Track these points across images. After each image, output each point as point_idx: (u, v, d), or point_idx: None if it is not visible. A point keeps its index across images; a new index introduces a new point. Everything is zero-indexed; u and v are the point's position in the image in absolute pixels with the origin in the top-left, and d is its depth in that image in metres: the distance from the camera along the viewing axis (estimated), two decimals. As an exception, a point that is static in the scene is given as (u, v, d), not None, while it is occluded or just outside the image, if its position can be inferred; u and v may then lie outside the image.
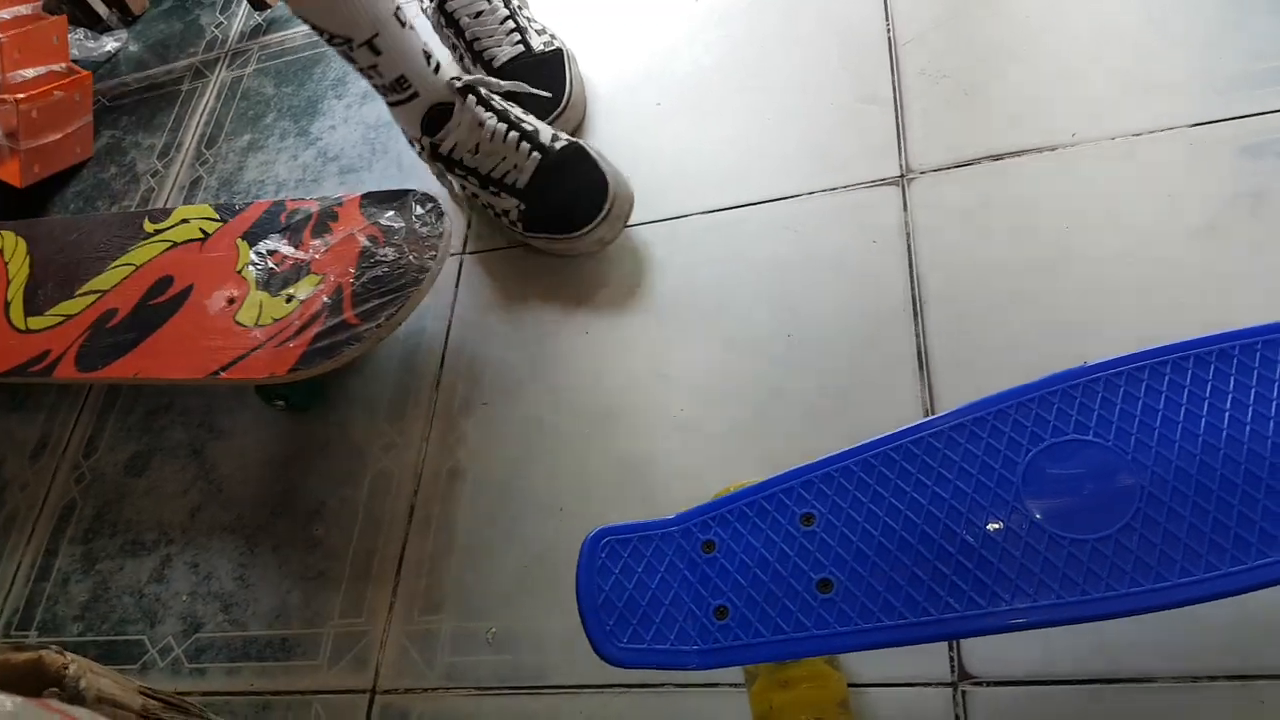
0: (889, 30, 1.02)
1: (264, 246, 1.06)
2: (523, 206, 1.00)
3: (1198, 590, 0.51)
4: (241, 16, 1.56)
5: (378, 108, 1.28)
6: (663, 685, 0.76)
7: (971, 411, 0.61)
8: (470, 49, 1.13)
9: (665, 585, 0.63)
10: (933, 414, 0.78)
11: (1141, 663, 0.65)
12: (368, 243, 0.98)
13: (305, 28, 1.26)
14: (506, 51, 1.11)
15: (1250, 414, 0.54)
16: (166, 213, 1.17)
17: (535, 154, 0.99)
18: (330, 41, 0.92)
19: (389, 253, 0.97)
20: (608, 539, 0.66)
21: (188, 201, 1.32)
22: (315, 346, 0.93)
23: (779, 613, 0.59)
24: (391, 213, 1.00)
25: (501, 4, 1.13)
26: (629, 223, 0.99)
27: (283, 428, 1.04)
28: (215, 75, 1.49)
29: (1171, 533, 0.53)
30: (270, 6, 1.50)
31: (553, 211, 0.99)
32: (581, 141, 1.01)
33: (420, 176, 1.17)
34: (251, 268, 1.04)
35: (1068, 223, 0.83)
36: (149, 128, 1.47)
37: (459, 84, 0.97)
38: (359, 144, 1.26)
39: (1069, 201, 0.85)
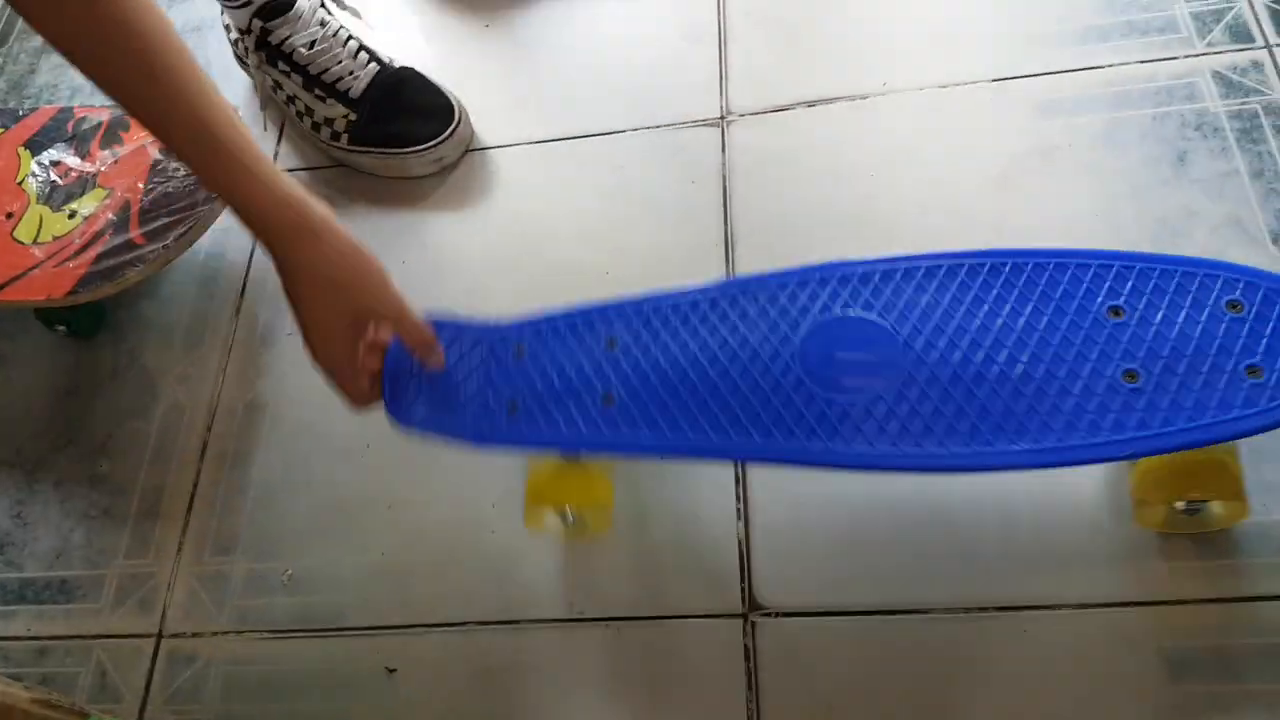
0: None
1: (47, 156, 0.97)
2: (352, 117, 0.95)
3: (921, 461, 0.58)
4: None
5: (187, 8, 1.18)
6: (465, 624, 0.74)
7: (778, 277, 0.66)
8: (316, 84, 0.95)
9: (470, 375, 0.69)
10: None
11: (919, 594, 0.68)
12: (160, 155, 0.91)
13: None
14: (362, 79, 0.95)
15: (1007, 322, 0.61)
16: (-62, 115, 1.05)
17: (373, 65, 0.95)
18: None
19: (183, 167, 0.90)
20: (433, 320, 0.70)
21: (-31, 105, 1.20)
22: (96, 268, 0.86)
23: (564, 416, 0.65)
24: (190, 125, 0.93)
25: (337, 24, 0.97)
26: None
27: (68, 355, 0.96)
28: (4, -34, 1.35)
29: (916, 410, 0.59)
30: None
31: (388, 126, 0.94)
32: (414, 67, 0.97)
33: (230, 85, 1.09)
34: (32, 179, 0.95)
35: (874, 170, 0.85)
36: (-74, 20, 1.32)
37: None
38: (163, 51, 1.16)
39: (876, 149, 0.86)
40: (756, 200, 0.86)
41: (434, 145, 0.93)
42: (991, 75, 0.87)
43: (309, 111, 0.97)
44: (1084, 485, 0.69)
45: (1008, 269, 0.62)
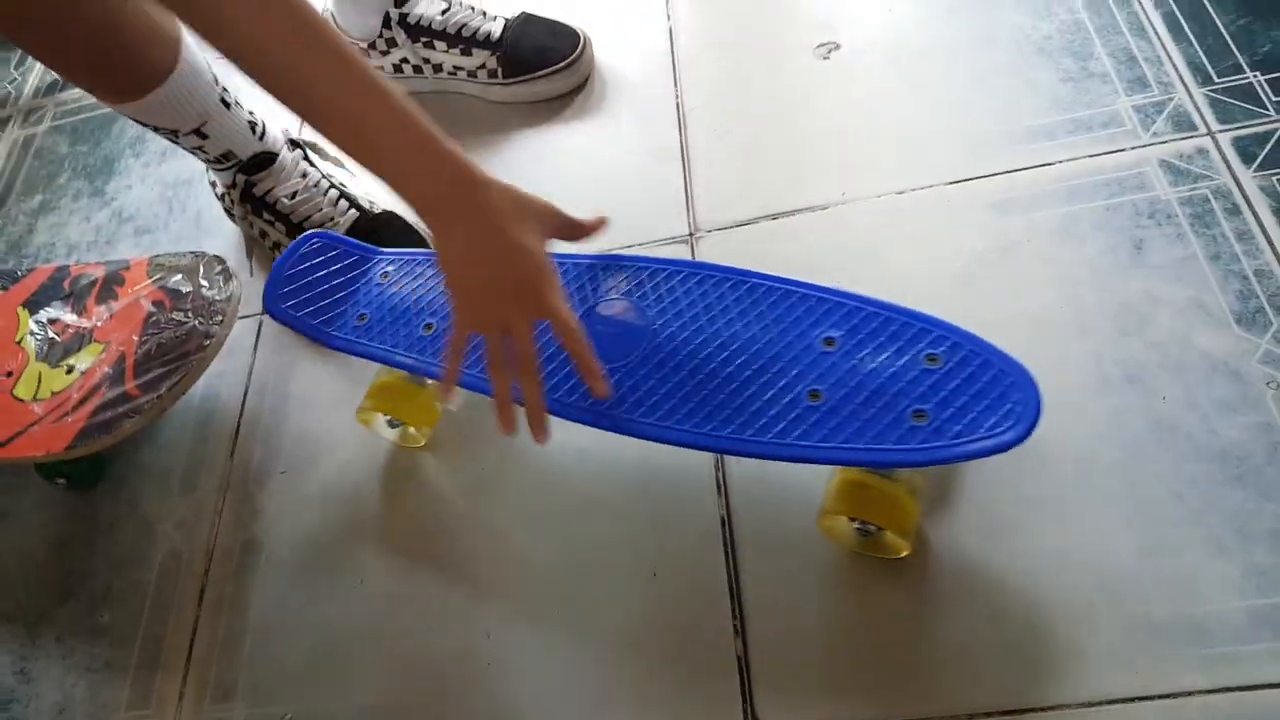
0: (677, 94, 1.05)
1: (45, 315, 1.00)
2: None
3: (646, 431, 0.70)
4: (37, 72, 1.49)
5: (177, 165, 1.23)
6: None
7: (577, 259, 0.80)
8: (298, 231, 1.00)
9: (338, 287, 0.86)
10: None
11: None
12: (153, 308, 0.94)
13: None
14: (342, 224, 1.00)
15: (742, 330, 0.72)
16: (-60, 281, 1.09)
17: (353, 211, 1.00)
18: (155, 131, 0.93)
19: (175, 318, 0.92)
20: (317, 239, 0.89)
21: (-29, 267, 1.24)
22: (94, 421, 0.88)
23: (394, 336, 0.81)
24: (180, 275, 0.96)
25: (318, 174, 1.03)
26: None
27: (68, 506, 0.97)
28: (6, 133, 1.41)
29: (649, 387, 0.71)
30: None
31: None
32: (395, 211, 1.02)
33: (219, 235, 1.13)
34: (31, 338, 0.98)
35: (837, 272, 0.86)
36: (-70, 189, 1.38)
37: (289, 137, 1.02)
38: (156, 203, 1.21)
39: (839, 253, 0.89)
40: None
41: None
42: (947, 179, 0.90)
43: None
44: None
45: (761, 290, 0.73)
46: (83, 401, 0.90)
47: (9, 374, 0.96)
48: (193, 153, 0.96)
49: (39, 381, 0.94)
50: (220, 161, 0.98)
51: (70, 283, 1.02)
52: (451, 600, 0.80)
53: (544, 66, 1.08)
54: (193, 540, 0.91)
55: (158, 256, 0.99)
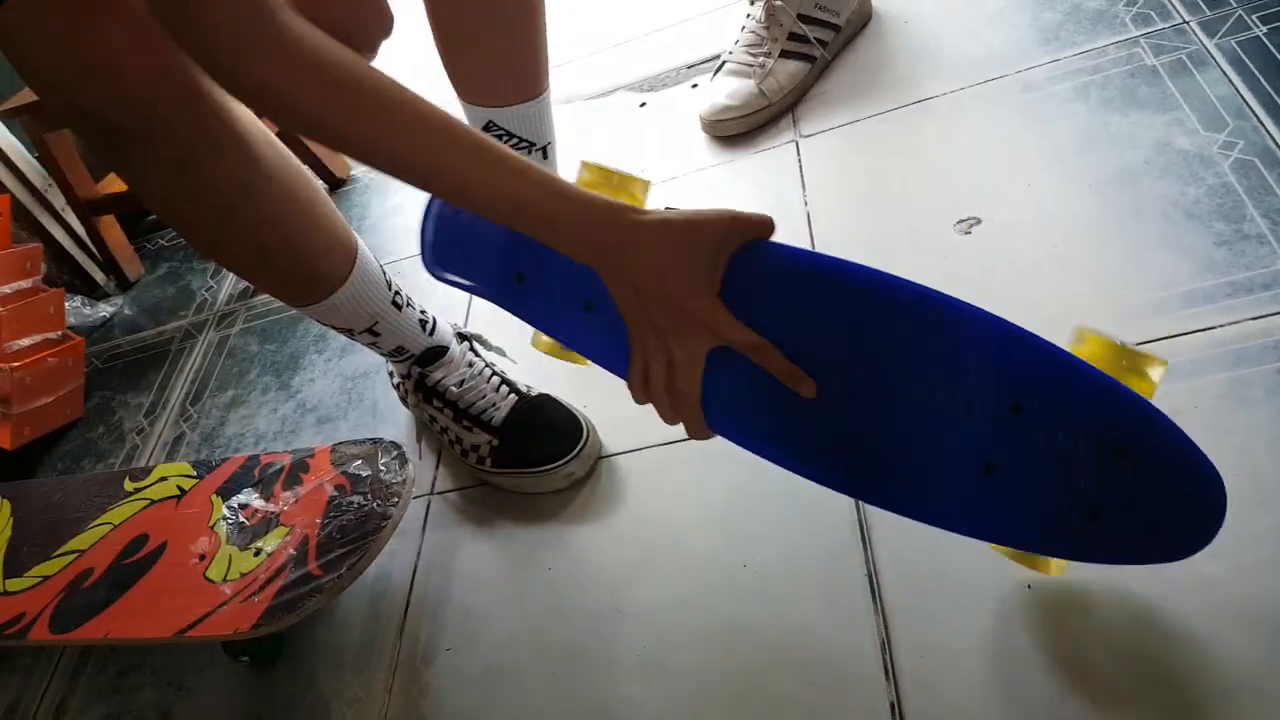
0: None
1: (236, 500, 1.08)
2: (495, 442, 1.05)
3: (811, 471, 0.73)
4: (230, 280, 1.66)
5: (356, 359, 1.33)
6: None
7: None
8: (464, 416, 1.07)
9: (494, 240, 0.85)
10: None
11: None
12: (335, 492, 1.01)
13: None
14: (503, 409, 1.07)
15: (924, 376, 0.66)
16: (146, 471, 1.20)
17: (512, 395, 1.08)
18: (332, 329, 1.01)
19: (355, 501, 0.99)
20: None
21: (170, 458, 1.36)
22: (279, 600, 0.93)
23: (550, 304, 0.82)
24: (359, 461, 1.03)
25: (483, 364, 1.10)
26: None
27: (250, 684, 1.02)
28: (203, 335, 1.56)
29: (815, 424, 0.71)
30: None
31: (525, 448, 1.04)
32: (550, 394, 1.09)
33: (392, 423, 1.21)
34: (224, 522, 1.06)
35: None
36: (138, 387, 1.52)
37: (457, 331, 1.11)
38: (336, 394, 1.31)
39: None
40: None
41: (564, 463, 1.02)
42: (1101, 345, 0.89)
43: (459, 440, 1.08)
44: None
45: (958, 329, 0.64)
46: (269, 582, 0.96)
47: (202, 557, 1.04)
48: (369, 347, 1.04)
49: (229, 564, 1.01)
50: (394, 355, 1.07)
51: (260, 470, 1.10)
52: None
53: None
54: (364, 718, 0.93)
55: (340, 444, 1.06)
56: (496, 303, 0.87)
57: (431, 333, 1.07)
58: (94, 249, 1.79)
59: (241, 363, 1.46)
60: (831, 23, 1.36)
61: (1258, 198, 0.94)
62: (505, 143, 1.12)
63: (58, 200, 1.75)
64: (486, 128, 1.11)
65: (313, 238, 0.92)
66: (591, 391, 1.09)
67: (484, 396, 1.07)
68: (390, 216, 1.61)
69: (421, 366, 1.08)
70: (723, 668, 0.83)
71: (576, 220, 0.67)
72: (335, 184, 1.75)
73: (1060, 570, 0.72)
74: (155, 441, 1.40)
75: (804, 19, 1.34)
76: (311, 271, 0.93)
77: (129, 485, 1.19)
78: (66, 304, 1.60)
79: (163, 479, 1.17)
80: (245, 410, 1.37)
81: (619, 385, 0.76)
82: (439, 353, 1.08)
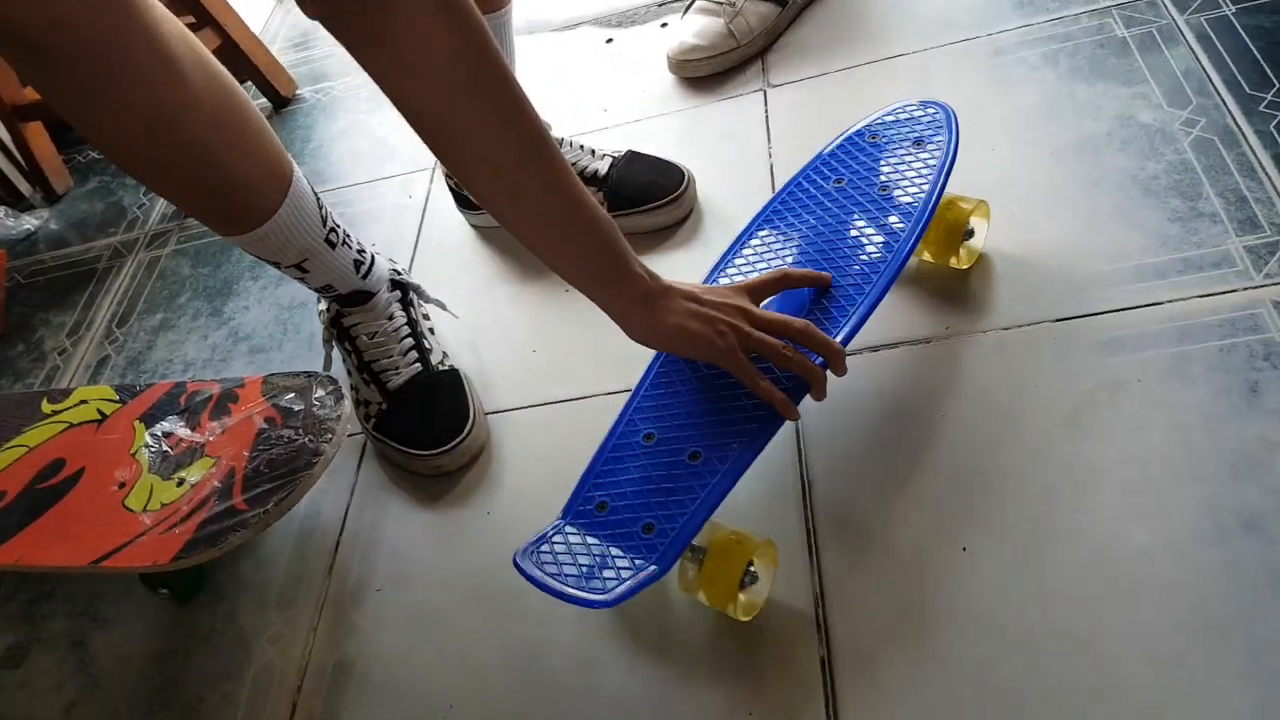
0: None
1: (160, 428, 1.04)
2: (384, 406, 1.02)
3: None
4: (163, 200, 1.59)
5: (293, 289, 1.29)
6: None
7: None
8: (365, 369, 1.05)
9: (591, 545, 0.78)
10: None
11: None
12: (265, 425, 0.97)
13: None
14: (404, 375, 1.03)
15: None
16: (66, 393, 1.15)
17: (417, 364, 1.03)
18: (258, 259, 0.97)
19: (285, 435, 0.95)
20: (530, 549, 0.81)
21: (93, 380, 1.30)
22: (201, 534, 0.90)
23: (663, 501, 0.78)
24: (292, 394, 1.00)
25: (403, 320, 1.06)
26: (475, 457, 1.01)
27: (168, 617, 0.99)
28: (133, 255, 1.50)
29: None
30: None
31: (406, 424, 1.01)
32: (463, 372, 1.06)
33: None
34: (146, 450, 1.02)
35: (944, 410, 0.86)
36: (61, 305, 1.46)
37: (397, 277, 1.06)
38: (271, 324, 1.26)
39: (948, 388, 0.88)
40: (827, 442, 0.88)
41: (434, 453, 0.98)
42: (1053, 316, 0.89)
43: (356, 390, 1.06)
44: None
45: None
46: (191, 514, 0.93)
47: (122, 485, 1.00)
48: (297, 280, 1.00)
49: (150, 493, 0.97)
50: (321, 291, 1.02)
51: (186, 398, 1.06)
52: (537, 717, 0.79)
53: (648, 202, 1.12)
54: (286, 656, 0.91)
55: (272, 375, 1.03)
56: (659, 565, 0.76)
57: (365, 275, 1.02)
58: (19, 158, 1.70)
59: (172, 285, 1.40)
60: (805, -34, 1.34)
61: (1214, 176, 0.94)
62: None
63: (-19, 105, 1.66)
64: None
65: (242, 166, 0.87)
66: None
67: (389, 355, 1.03)
68: (337, 140, 1.55)
69: (341, 306, 1.04)
70: (653, 629, 0.82)
71: (619, 291, 0.79)
72: (280, 102, 1.68)
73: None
74: (78, 363, 1.35)
75: (777, -42, 1.31)
76: (241, 201, 0.89)
77: (47, 407, 1.14)
78: (-12, 214, 1.52)
79: (83, 402, 1.12)
80: (174, 335, 1.32)
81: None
82: (363, 297, 1.04)
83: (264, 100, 1.69)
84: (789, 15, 1.35)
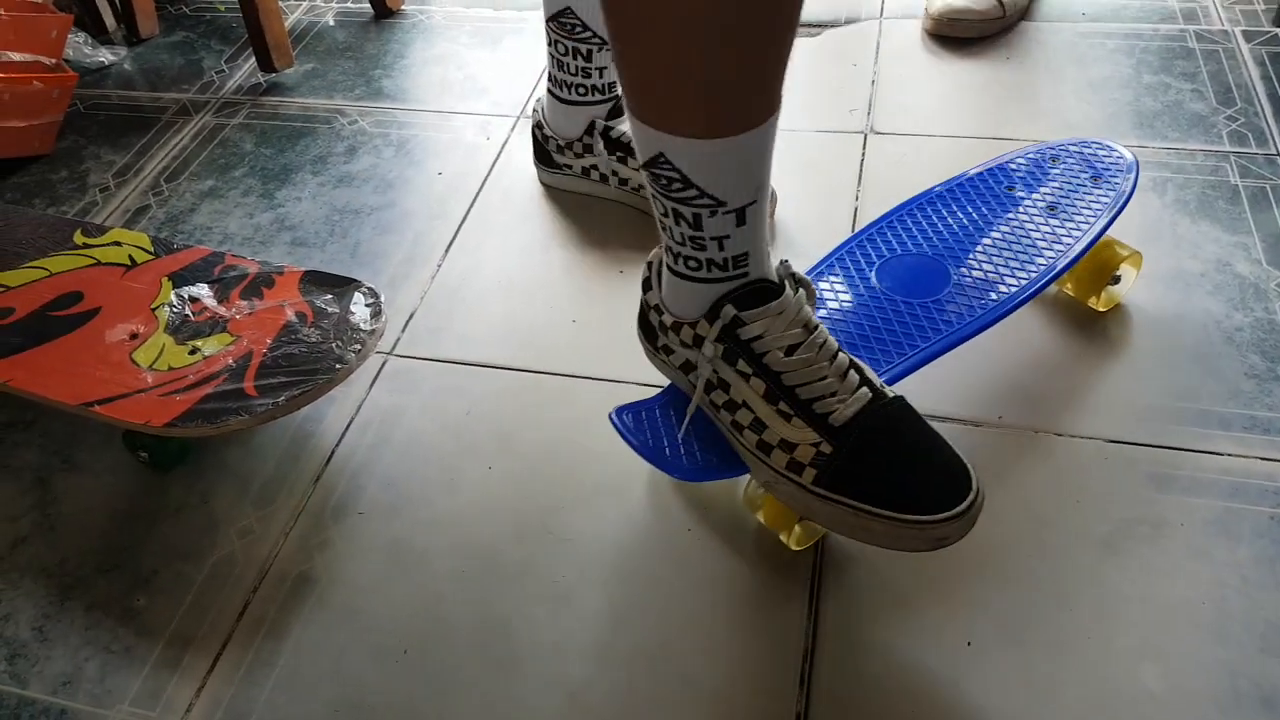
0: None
1: (187, 291, 1.01)
2: (826, 450, 0.71)
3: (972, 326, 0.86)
4: (245, 72, 1.56)
5: (351, 193, 1.26)
6: None
7: (847, 244, 0.99)
8: (786, 398, 0.73)
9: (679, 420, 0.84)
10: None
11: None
12: (294, 318, 0.95)
13: (306, 99, 1.25)
14: (851, 405, 0.72)
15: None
16: (102, 230, 1.12)
17: (865, 390, 0.73)
18: (690, 201, 0.68)
19: (312, 334, 0.93)
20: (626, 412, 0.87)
21: (128, 226, 1.27)
22: (201, 407, 0.87)
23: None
24: (330, 296, 0.97)
25: (824, 332, 0.75)
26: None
27: (141, 481, 0.96)
28: (199, 117, 1.47)
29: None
30: (277, 70, 1.50)
31: (882, 476, 0.71)
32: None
33: (371, 270, 1.14)
34: (167, 308, 0.99)
35: (989, 513, 0.83)
36: (115, 145, 1.43)
37: (791, 271, 0.76)
38: (320, 222, 1.23)
39: (986, 476, 0.85)
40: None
41: (945, 520, 0.68)
42: (1108, 435, 0.87)
43: (760, 424, 0.74)
44: None
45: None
46: (196, 385, 0.90)
47: (134, 336, 0.97)
48: (695, 246, 0.72)
49: (161, 352, 0.95)
50: (723, 268, 0.72)
51: (221, 269, 1.03)
52: (494, 686, 0.76)
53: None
54: (251, 553, 0.88)
55: (315, 271, 1.00)
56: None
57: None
58: (114, -9, 1.67)
59: (231, 156, 1.38)
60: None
61: (1301, 345, 0.92)
62: (577, 35, 1.06)
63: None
64: (562, 13, 1.07)
65: (765, 55, 0.63)
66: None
67: (823, 379, 0.72)
68: (431, 64, 1.52)
69: (738, 310, 0.72)
70: (632, 624, 0.80)
71: None
72: (384, 12, 1.65)
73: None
74: (117, 205, 1.32)
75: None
76: (740, 93, 0.64)
77: (79, 238, 1.11)
78: (69, 36, 1.49)
79: (117, 244, 1.09)
80: (220, 205, 1.29)
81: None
82: (770, 294, 0.73)
83: (366, 4, 1.67)
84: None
